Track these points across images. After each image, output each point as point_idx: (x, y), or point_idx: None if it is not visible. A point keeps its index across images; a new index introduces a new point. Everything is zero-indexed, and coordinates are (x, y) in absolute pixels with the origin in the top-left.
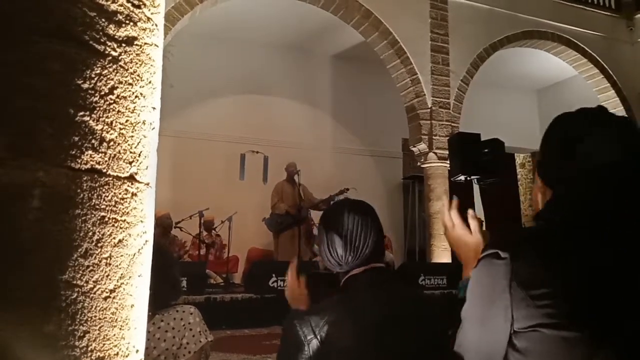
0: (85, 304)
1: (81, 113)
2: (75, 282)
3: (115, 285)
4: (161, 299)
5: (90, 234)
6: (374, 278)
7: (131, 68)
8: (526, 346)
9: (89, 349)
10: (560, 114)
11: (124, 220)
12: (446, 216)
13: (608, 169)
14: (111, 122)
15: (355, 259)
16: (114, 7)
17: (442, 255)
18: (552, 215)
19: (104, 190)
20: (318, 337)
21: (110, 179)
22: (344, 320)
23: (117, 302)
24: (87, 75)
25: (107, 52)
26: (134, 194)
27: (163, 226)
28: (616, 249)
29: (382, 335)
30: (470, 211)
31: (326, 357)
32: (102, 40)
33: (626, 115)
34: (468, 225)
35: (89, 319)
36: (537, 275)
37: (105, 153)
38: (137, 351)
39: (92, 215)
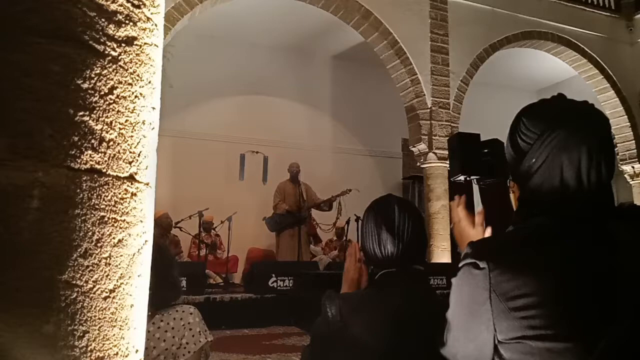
0: (85, 304)
1: (81, 113)
2: (74, 282)
3: (114, 285)
4: (161, 299)
5: (89, 234)
6: (408, 279)
7: (131, 68)
8: (512, 356)
9: (89, 349)
10: (523, 108)
11: (124, 220)
12: (454, 211)
13: (570, 169)
14: (111, 122)
15: (401, 256)
16: (113, 7)
17: (441, 255)
18: (522, 219)
19: (103, 190)
20: (341, 322)
21: (110, 178)
22: (369, 314)
23: (116, 302)
24: (87, 75)
25: (106, 52)
26: (133, 194)
27: (162, 226)
28: (591, 251)
29: (401, 336)
30: (479, 208)
31: (344, 343)
32: (101, 40)
33: (586, 101)
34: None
35: (89, 319)
36: (517, 286)
37: (105, 153)
38: (136, 351)
39: (92, 215)
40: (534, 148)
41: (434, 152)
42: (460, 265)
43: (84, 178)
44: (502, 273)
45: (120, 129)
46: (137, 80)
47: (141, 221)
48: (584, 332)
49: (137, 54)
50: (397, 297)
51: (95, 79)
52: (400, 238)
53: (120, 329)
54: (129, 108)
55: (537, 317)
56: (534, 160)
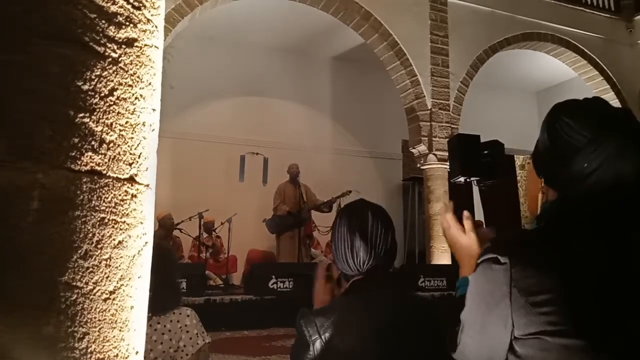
0: (85, 306)
1: (81, 114)
2: (74, 283)
3: (115, 286)
4: (162, 302)
5: (90, 235)
6: (381, 282)
7: (131, 70)
8: (527, 352)
9: (89, 350)
10: (558, 109)
11: (124, 221)
12: (442, 218)
13: (627, 175)
14: (111, 124)
15: (374, 263)
16: (114, 8)
17: (441, 256)
18: (555, 218)
19: (103, 191)
20: (322, 337)
21: (110, 180)
22: (348, 322)
23: (116, 304)
24: (87, 77)
25: (107, 53)
26: (133, 196)
27: (165, 227)
28: (617, 253)
29: (384, 340)
30: (465, 212)
31: (329, 358)
32: (102, 41)
33: (626, 108)
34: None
35: (89, 320)
36: (538, 282)
37: (105, 154)
38: (136, 353)
39: (92, 217)
40: (585, 153)
41: (434, 154)
42: (479, 260)
43: (84, 179)
44: (524, 269)
45: (120, 130)
46: (138, 81)
47: (141, 223)
48: (601, 331)
49: (138, 56)
50: (378, 302)
51: (96, 80)
52: (374, 245)
53: (120, 330)
54: (129, 110)
55: (556, 314)
56: (585, 164)
